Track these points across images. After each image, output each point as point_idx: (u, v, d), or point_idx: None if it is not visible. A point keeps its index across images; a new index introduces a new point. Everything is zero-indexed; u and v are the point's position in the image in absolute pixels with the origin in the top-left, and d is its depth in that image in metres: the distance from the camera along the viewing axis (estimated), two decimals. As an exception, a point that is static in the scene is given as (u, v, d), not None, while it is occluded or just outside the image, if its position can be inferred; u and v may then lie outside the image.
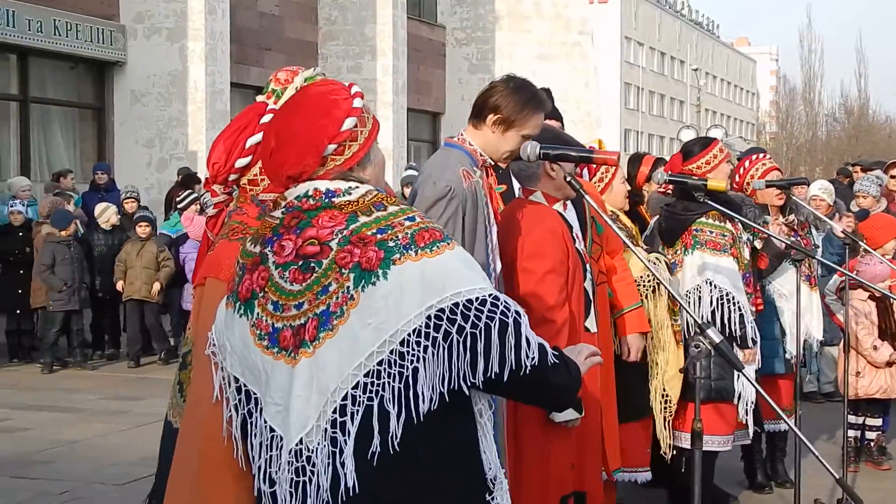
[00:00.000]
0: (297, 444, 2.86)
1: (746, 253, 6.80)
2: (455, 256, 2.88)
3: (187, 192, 13.72)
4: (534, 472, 4.76)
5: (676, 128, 61.18)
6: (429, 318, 2.79)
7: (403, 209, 2.95)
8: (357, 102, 3.04)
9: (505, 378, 2.84)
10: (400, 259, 2.82)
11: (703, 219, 6.60)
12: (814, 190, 10.83)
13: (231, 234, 3.61)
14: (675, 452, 6.63)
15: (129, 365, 13.31)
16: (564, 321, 4.72)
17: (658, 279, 4.39)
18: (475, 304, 2.81)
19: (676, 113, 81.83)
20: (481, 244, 4.45)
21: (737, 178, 7.71)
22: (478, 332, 2.80)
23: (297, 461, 2.86)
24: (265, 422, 2.94)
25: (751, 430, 6.87)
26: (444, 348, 2.80)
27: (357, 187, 2.97)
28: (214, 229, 3.80)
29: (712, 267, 6.51)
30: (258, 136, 3.66)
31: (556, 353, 2.99)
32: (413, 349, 2.79)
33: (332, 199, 2.94)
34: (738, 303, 6.49)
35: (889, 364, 8.31)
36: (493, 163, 4.62)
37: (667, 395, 6.43)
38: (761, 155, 7.90)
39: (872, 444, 8.54)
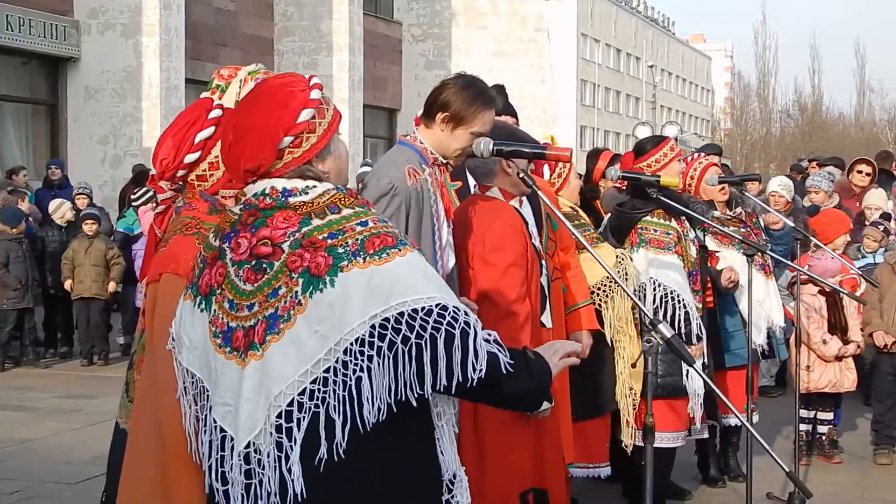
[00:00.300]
0: (245, 448, 2.85)
1: (693, 251, 6.84)
2: (405, 263, 2.83)
3: (144, 188, 13.64)
4: (495, 467, 4.77)
5: (632, 124, 61.41)
6: (373, 327, 2.75)
7: (358, 212, 2.90)
8: (315, 94, 3.00)
9: (453, 389, 2.81)
10: (347, 266, 2.79)
11: (648, 217, 6.66)
12: (773, 186, 10.92)
13: (185, 230, 3.59)
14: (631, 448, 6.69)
15: (82, 363, 13.21)
16: (527, 315, 4.74)
17: (613, 278, 4.40)
18: (420, 313, 2.76)
19: (632, 109, 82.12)
20: (427, 241, 4.46)
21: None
22: (423, 342, 2.76)
23: (246, 464, 2.85)
24: (214, 421, 2.93)
25: (699, 424, 6.91)
26: (389, 358, 2.76)
27: (314, 187, 2.94)
28: (162, 226, 3.79)
29: (656, 265, 6.56)
30: (207, 131, 3.65)
31: (514, 359, 2.92)
32: (356, 358, 2.76)
33: (288, 199, 2.92)
34: (682, 300, 6.54)
35: (838, 358, 8.40)
36: (444, 161, 4.63)
37: (633, 389, 6.47)
38: (696, 155, 7.98)
39: (824, 437, 8.61)
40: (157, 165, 3.73)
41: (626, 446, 6.50)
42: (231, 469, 2.88)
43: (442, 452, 2.97)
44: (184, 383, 3.06)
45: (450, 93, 4.52)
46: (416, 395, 2.79)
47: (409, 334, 2.75)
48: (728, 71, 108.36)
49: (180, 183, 3.74)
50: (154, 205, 3.84)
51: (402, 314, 2.75)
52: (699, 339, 6.60)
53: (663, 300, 6.52)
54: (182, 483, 3.23)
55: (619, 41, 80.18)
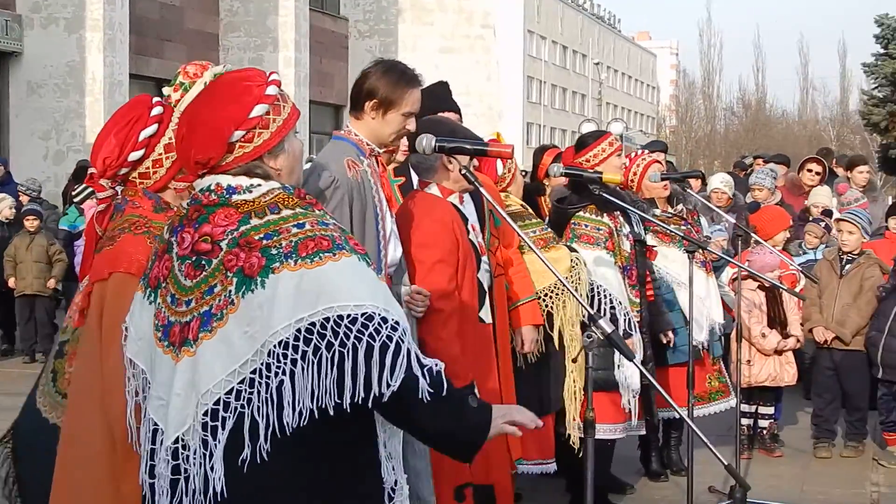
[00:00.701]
0: (174, 443, 2.85)
1: (626, 245, 6.88)
2: (338, 268, 2.80)
3: (83, 186, 13.49)
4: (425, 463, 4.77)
5: (578, 121, 61.69)
6: (299, 331, 2.74)
7: (297, 214, 2.89)
8: (271, 90, 2.99)
9: (370, 403, 2.77)
10: (279, 268, 2.78)
11: (581, 213, 6.72)
12: (714, 183, 11.03)
13: (134, 229, 3.57)
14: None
15: (24, 360, 13.11)
16: (453, 310, 4.76)
17: (557, 276, 4.44)
18: (345, 320, 2.73)
19: (578, 106, 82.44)
20: (371, 232, 4.49)
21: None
22: (346, 351, 2.73)
23: (174, 459, 2.86)
24: (148, 413, 2.95)
25: (635, 420, 6.93)
26: (313, 364, 2.74)
27: (259, 185, 2.94)
28: (103, 224, 3.76)
29: (585, 260, 6.60)
30: (151, 129, 3.65)
31: (446, 395, 2.83)
32: (280, 361, 2.75)
33: (231, 197, 2.92)
34: (608, 294, 6.58)
35: (778, 352, 8.49)
36: (380, 151, 4.67)
37: (576, 384, 6.47)
38: (640, 152, 8.04)
39: (765, 431, 8.70)
40: (98, 164, 3.70)
41: (573, 443, 6.53)
42: (159, 463, 2.89)
43: (387, 457, 2.96)
44: (128, 374, 3.07)
45: (373, 80, 4.57)
46: (333, 404, 2.75)
47: (332, 341, 2.73)
48: (673, 68, 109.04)
49: (120, 181, 3.73)
50: (95, 201, 3.80)
51: (328, 319, 2.73)
52: (627, 334, 6.62)
53: (589, 295, 6.56)
54: (136, 481, 3.23)
55: (566, 38, 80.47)
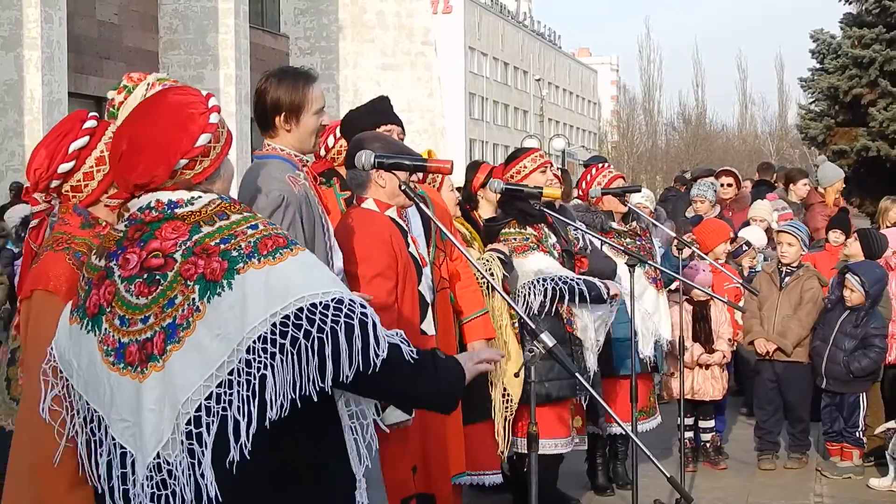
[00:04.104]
0: (155, 459, 2.84)
1: (555, 255, 6.90)
2: (299, 261, 2.89)
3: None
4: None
5: (520, 137, 62.01)
6: (274, 325, 2.79)
7: (247, 217, 2.95)
8: (213, 118, 3.04)
9: (357, 380, 2.85)
10: (244, 268, 2.82)
11: (506, 229, 6.81)
12: (636, 199, 11.06)
13: (56, 245, 3.55)
14: (515, 456, 6.73)
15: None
16: (393, 323, 4.73)
17: (492, 284, 4.45)
18: (319, 308, 2.81)
19: (520, 122, 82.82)
20: (320, 244, 4.47)
21: (583, 186, 7.91)
22: (324, 336, 2.80)
23: (157, 475, 2.84)
24: (112, 439, 2.91)
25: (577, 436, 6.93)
26: (292, 354, 2.79)
27: (200, 197, 2.97)
28: (37, 240, 3.74)
29: (527, 266, 6.67)
30: (81, 141, 3.63)
31: (419, 355, 3.00)
32: (259, 357, 2.79)
33: (175, 210, 2.94)
34: (554, 280, 6.60)
35: (703, 366, 8.52)
36: (308, 161, 4.66)
37: (508, 395, 6.46)
38: (602, 165, 8.10)
39: (708, 444, 8.74)
40: (30, 176, 3.70)
41: (501, 452, 6.48)
42: (134, 485, 2.87)
43: (352, 447, 3.04)
44: (73, 406, 3.04)
45: (272, 94, 4.46)
46: (317, 389, 2.82)
47: (310, 328, 2.80)
48: (614, 84, 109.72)
49: (55, 195, 3.70)
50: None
51: (301, 310, 2.80)
52: (602, 297, 6.70)
53: (552, 290, 6.57)
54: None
55: (507, 55, 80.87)
